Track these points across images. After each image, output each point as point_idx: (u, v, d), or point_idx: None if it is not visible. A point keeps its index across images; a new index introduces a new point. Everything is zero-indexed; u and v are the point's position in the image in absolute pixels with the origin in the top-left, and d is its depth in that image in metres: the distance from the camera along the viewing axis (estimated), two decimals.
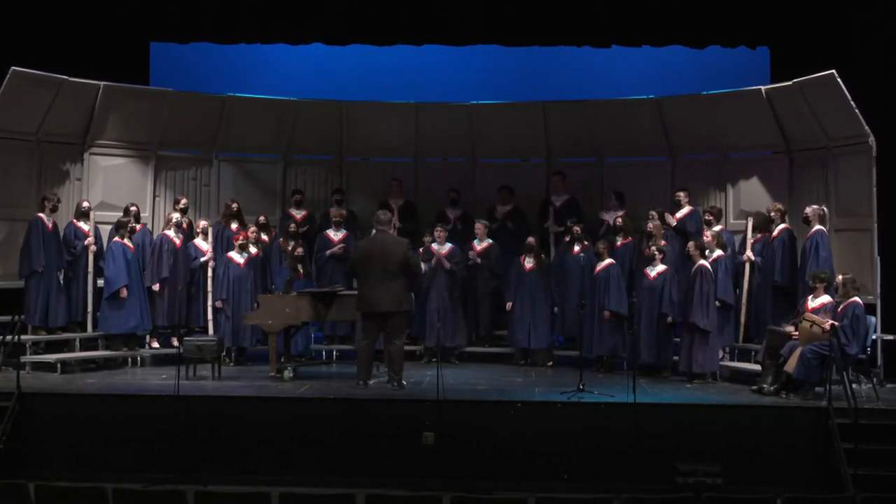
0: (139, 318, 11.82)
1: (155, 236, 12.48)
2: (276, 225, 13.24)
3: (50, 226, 11.68)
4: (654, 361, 11.28)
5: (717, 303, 10.85)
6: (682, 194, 12.40)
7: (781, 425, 9.27)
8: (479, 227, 12.60)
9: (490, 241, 12.55)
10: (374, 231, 10.84)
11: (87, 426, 9.47)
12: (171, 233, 12.21)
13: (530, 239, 12.25)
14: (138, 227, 12.23)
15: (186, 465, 9.10)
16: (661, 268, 11.31)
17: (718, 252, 11.13)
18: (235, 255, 11.96)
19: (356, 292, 10.85)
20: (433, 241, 12.37)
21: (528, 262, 12.14)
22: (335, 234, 12.82)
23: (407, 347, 11.01)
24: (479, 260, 12.43)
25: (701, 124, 12.78)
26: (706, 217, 11.77)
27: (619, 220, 12.36)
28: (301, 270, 11.85)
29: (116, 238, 11.82)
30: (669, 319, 11.14)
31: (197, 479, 8.82)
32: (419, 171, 14.06)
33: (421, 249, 12.12)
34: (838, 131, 11.24)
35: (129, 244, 11.82)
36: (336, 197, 13.37)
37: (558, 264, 12.51)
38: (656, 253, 11.32)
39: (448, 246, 12.44)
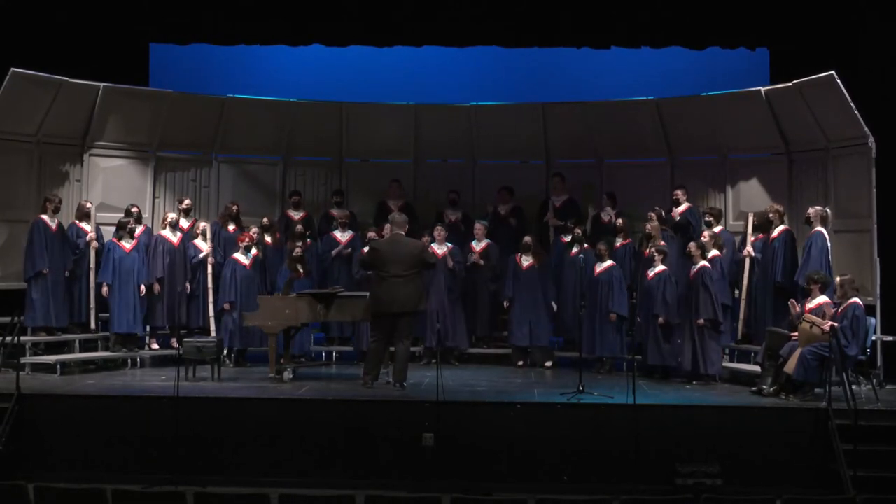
0: (124, 318, 11.72)
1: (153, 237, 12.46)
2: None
3: (53, 227, 11.66)
4: (660, 363, 11.21)
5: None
6: (679, 192, 12.43)
7: (781, 426, 9.26)
8: (479, 227, 12.58)
9: (488, 241, 12.54)
10: (374, 232, 10.83)
11: (87, 427, 9.45)
12: (166, 232, 12.20)
13: (527, 238, 12.24)
14: (139, 228, 12.08)
15: (186, 466, 9.09)
16: (659, 268, 11.29)
17: (714, 252, 11.13)
18: (241, 257, 11.94)
19: (356, 294, 10.83)
20: (432, 241, 12.35)
21: (525, 261, 12.12)
22: (341, 235, 12.82)
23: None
24: (481, 262, 12.41)
25: (700, 125, 12.77)
26: (706, 218, 11.77)
27: (620, 221, 12.36)
28: (301, 270, 11.84)
29: (113, 238, 11.83)
30: (661, 320, 11.11)
31: (196, 480, 8.82)
32: (419, 172, 14.06)
33: None
34: (838, 132, 11.25)
35: (126, 245, 11.77)
36: (336, 198, 13.37)
37: (556, 264, 12.49)
38: (656, 254, 11.31)
39: (447, 246, 12.43)
